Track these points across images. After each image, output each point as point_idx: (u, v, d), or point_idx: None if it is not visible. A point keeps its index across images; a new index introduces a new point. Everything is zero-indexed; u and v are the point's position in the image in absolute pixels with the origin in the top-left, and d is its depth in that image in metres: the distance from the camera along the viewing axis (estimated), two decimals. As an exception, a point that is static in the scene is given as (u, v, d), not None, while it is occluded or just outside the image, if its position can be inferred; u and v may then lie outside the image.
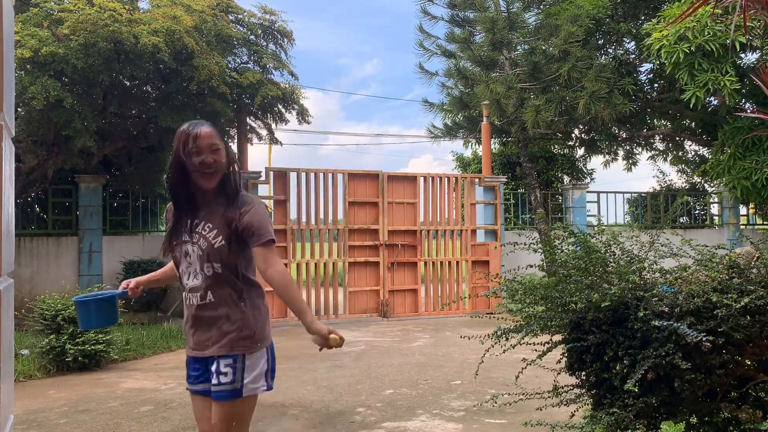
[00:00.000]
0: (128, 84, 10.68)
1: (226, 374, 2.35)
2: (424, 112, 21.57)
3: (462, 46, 12.79)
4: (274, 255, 2.45)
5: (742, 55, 10.96)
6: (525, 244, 3.86)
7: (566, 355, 3.47)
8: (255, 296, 2.50)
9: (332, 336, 2.41)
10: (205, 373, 2.43)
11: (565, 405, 3.56)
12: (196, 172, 2.38)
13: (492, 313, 4.41)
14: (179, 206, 2.48)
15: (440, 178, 11.77)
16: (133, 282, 2.69)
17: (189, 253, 2.42)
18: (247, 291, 2.46)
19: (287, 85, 11.08)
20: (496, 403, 3.82)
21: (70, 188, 11.45)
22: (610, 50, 13.31)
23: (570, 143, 15.71)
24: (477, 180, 12.21)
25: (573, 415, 3.64)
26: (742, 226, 15.30)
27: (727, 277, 3.11)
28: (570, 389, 3.55)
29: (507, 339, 3.52)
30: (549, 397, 3.58)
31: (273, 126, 11.83)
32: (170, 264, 2.64)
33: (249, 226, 2.40)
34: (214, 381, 2.37)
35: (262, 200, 2.54)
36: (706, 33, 9.38)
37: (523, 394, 3.75)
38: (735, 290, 2.98)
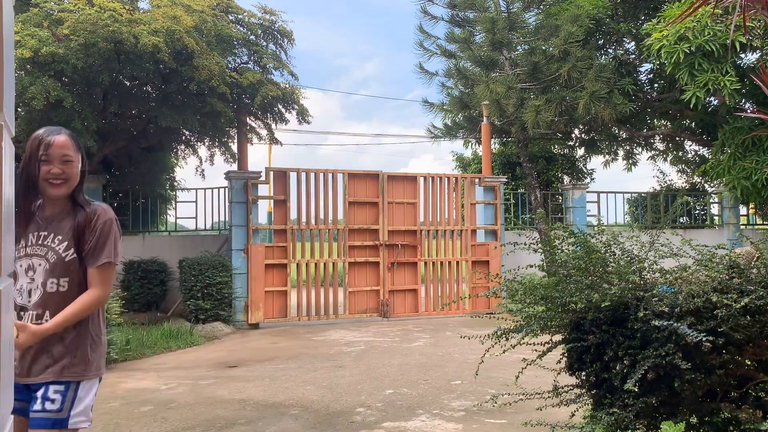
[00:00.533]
0: (128, 84, 10.67)
1: (53, 401, 2.15)
2: (425, 112, 21.57)
3: (462, 46, 12.79)
4: (110, 278, 2.34)
5: (742, 55, 10.97)
6: (525, 244, 3.86)
7: (566, 355, 3.47)
8: (97, 320, 2.34)
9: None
10: (26, 394, 2.20)
11: (565, 405, 3.56)
12: (43, 181, 2.25)
13: (492, 313, 4.41)
14: (25, 216, 2.29)
15: (440, 178, 11.77)
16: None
17: (33, 267, 2.24)
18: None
19: (287, 85, 11.07)
20: (496, 403, 3.82)
21: (70, 188, 11.44)
22: (610, 50, 13.31)
23: (570, 143, 15.71)
24: (477, 180, 12.21)
25: (573, 415, 3.64)
26: (742, 226, 15.30)
27: (727, 277, 3.11)
28: (570, 389, 3.55)
29: (507, 339, 3.52)
30: (549, 397, 3.58)
31: (273, 126, 11.83)
32: None
33: (95, 243, 2.29)
34: (37, 407, 2.14)
35: (110, 214, 2.40)
36: (706, 33, 9.38)
37: (523, 394, 3.75)
38: (735, 290, 2.98)
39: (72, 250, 2.27)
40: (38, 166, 2.25)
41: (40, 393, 2.15)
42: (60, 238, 2.27)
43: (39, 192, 2.27)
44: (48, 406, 2.14)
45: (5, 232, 1.14)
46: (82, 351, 2.24)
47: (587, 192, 13.75)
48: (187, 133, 11.63)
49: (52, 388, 2.16)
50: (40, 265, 2.24)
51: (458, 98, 13.77)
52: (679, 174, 16.60)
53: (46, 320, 2.19)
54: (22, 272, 2.24)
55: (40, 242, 2.26)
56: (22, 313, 2.22)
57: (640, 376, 2.90)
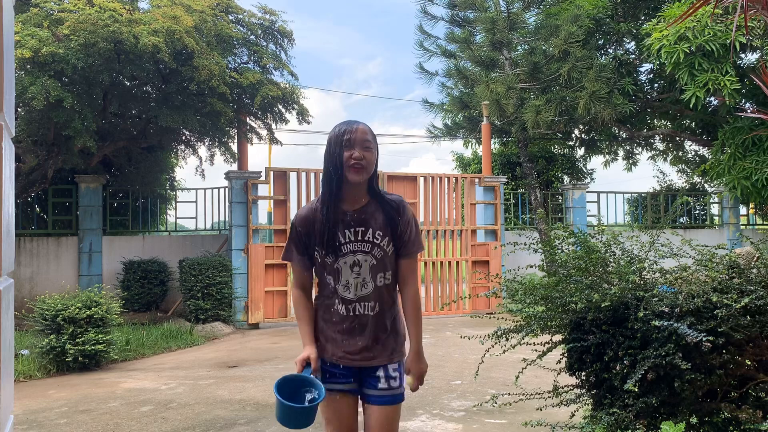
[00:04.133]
0: (128, 84, 10.67)
1: (395, 378, 2.39)
2: (425, 112, 21.57)
3: (462, 46, 12.79)
4: (417, 267, 2.48)
5: (742, 55, 10.97)
6: (525, 244, 3.86)
7: (566, 355, 3.47)
8: (398, 304, 2.50)
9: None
10: (356, 375, 2.41)
11: (565, 405, 3.56)
12: (346, 167, 2.29)
13: (492, 313, 4.41)
14: (334, 214, 2.35)
15: (440, 178, 11.77)
16: (314, 361, 2.36)
17: (358, 263, 2.35)
18: (396, 300, 2.48)
19: (287, 85, 11.07)
20: (496, 403, 3.82)
21: (70, 188, 11.45)
22: (610, 50, 13.31)
23: (570, 143, 15.71)
24: (477, 180, 12.21)
25: (573, 415, 3.64)
26: (742, 226, 15.30)
27: (727, 277, 3.11)
28: (570, 389, 3.55)
29: (507, 339, 3.52)
30: (549, 397, 3.58)
31: (273, 126, 11.83)
32: (303, 300, 2.45)
33: (409, 234, 2.41)
34: (383, 385, 2.38)
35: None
36: (706, 33, 9.38)
37: (523, 394, 3.75)
38: (735, 290, 2.98)
39: (392, 244, 2.38)
40: (341, 153, 2.29)
41: (381, 373, 2.39)
42: (380, 233, 2.36)
43: (342, 181, 2.30)
44: (392, 383, 2.39)
45: (5, 232, 1.14)
46: (400, 337, 2.45)
47: (587, 192, 13.75)
48: (187, 133, 11.63)
49: (391, 367, 2.40)
50: (366, 261, 2.35)
51: (458, 98, 13.77)
52: (679, 174, 16.61)
53: (377, 311, 2.37)
54: (346, 268, 2.34)
55: (359, 238, 2.34)
56: (348, 305, 2.36)
57: (640, 376, 2.90)
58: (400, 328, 2.46)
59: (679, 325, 2.84)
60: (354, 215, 2.34)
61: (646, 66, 13.21)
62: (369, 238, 2.35)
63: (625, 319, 3.14)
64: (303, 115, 11.40)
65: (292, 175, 10.84)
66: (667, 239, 3.66)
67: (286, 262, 2.67)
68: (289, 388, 2.23)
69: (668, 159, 16.11)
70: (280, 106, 11.27)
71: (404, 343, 2.47)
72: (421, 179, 11.57)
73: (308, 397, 2.23)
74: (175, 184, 13.98)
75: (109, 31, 8.60)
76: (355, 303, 2.36)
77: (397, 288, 2.47)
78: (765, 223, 16.38)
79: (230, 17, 10.84)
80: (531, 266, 4.24)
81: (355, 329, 2.35)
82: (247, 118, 11.46)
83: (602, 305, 3.10)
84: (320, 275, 2.42)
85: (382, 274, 2.37)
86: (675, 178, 17.81)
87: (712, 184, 15.37)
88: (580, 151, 16.02)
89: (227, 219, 11.52)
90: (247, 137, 11.68)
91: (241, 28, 11.00)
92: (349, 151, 2.27)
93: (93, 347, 6.94)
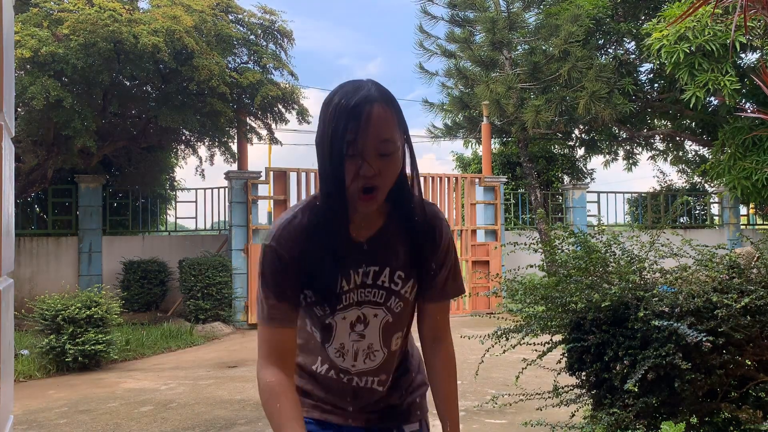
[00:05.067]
0: (128, 84, 10.67)
1: None
2: (425, 112, 21.56)
3: (462, 46, 12.79)
4: (449, 318, 1.68)
5: (742, 55, 10.96)
6: (525, 244, 3.86)
7: (566, 355, 3.47)
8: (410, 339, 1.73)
9: None
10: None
11: (565, 405, 3.55)
12: (354, 192, 1.37)
13: (492, 313, 4.41)
14: (339, 237, 1.44)
15: (440, 178, 11.76)
16: None
17: (364, 320, 1.52)
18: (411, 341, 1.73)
19: (287, 85, 11.07)
20: (496, 403, 3.82)
21: (70, 188, 11.45)
22: (610, 50, 13.31)
23: (570, 143, 15.71)
24: (477, 180, 12.20)
25: (573, 415, 3.64)
26: (742, 226, 15.30)
27: (727, 277, 3.11)
28: (570, 389, 3.55)
29: (507, 339, 3.52)
30: (549, 397, 3.58)
31: (273, 126, 11.83)
32: (284, 391, 1.40)
33: (448, 272, 1.57)
34: None
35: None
36: (706, 33, 9.38)
37: (523, 394, 3.75)
38: (735, 290, 2.98)
39: (415, 286, 1.53)
40: (342, 163, 1.35)
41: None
42: (402, 274, 1.50)
43: (346, 205, 1.39)
44: None
45: (5, 232, 1.14)
46: (420, 375, 1.73)
47: (587, 192, 13.75)
48: (187, 132, 11.62)
49: (407, 430, 1.67)
50: (375, 315, 1.52)
51: (458, 98, 13.76)
52: (679, 174, 16.61)
53: (388, 385, 1.60)
54: (344, 326, 1.51)
55: (370, 282, 1.49)
56: (343, 376, 1.56)
57: (640, 376, 2.89)
58: (414, 365, 1.70)
59: (679, 325, 2.84)
60: (365, 247, 1.48)
61: (646, 66, 13.22)
62: (385, 282, 1.50)
63: (625, 319, 3.14)
64: (303, 115, 11.40)
65: (292, 175, 10.84)
66: (667, 239, 3.66)
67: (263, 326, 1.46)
68: None
69: (668, 159, 16.11)
70: (280, 106, 11.27)
71: (425, 387, 1.70)
72: (421, 179, 11.55)
73: None
74: (175, 184, 13.98)
75: (109, 31, 8.60)
76: (353, 376, 1.56)
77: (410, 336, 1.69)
78: (765, 223, 16.37)
79: (230, 17, 10.85)
80: (531, 266, 4.25)
81: (350, 397, 1.60)
82: (247, 118, 11.46)
83: (602, 305, 3.10)
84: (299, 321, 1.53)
85: (399, 334, 1.57)
86: (675, 178, 17.82)
87: (712, 184, 15.37)
88: (580, 151, 16.03)
89: (227, 219, 11.52)
90: (246, 137, 11.68)
91: (241, 28, 11.01)
92: (355, 162, 1.33)
93: (93, 347, 6.94)
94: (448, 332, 1.63)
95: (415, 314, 1.62)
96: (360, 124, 1.33)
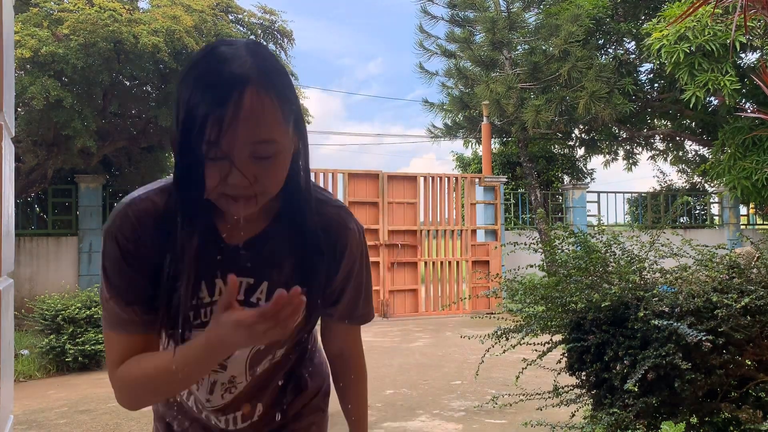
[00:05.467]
0: (128, 84, 10.68)
1: None
2: (425, 111, 21.59)
3: (462, 46, 12.80)
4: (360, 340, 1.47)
5: (742, 55, 10.97)
6: (525, 244, 3.86)
7: (566, 355, 3.47)
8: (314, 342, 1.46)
9: None
10: None
11: (565, 405, 3.55)
12: (218, 198, 1.07)
13: (492, 313, 4.41)
14: (189, 237, 1.08)
15: (440, 178, 11.77)
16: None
17: None
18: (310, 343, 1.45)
19: (287, 85, 11.08)
20: (496, 403, 3.82)
21: (70, 188, 11.45)
22: (610, 50, 13.31)
23: (570, 143, 15.72)
24: (477, 180, 12.21)
25: (573, 415, 3.64)
26: (742, 226, 15.30)
27: (727, 277, 3.11)
28: (570, 389, 3.55)
29: (507, 339, 3.52)
30: (549, 397, 3.58)
31: (273, 126, 11.83)
32: (141, 359, 1.10)
33: (355, 289, 1.28)
34: None
35: None
36: (706, 33, 9.39)
37: (523, 394, 3.75)
38: (735, 290, 2.98)
39: (311, 309, 1.15)
40: (200, 159, 1.01)
41: None
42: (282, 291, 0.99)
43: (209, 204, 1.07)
44: None
45: (5, 232, 1.14)
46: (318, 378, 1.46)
47: (587, 192, 13.75)
48: (187, 133, 11.61)
49: None
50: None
51: (458, 98, 13.77)
52: (679, 174, 16.62)
53: (261, 412, 1.30)
54: None
55: (242, 297, 1.15)
56: (213, 415, 1.27)
57: (640, 376, 2.89)
58: (312, 384, 1.40)
59: (680, 325, 2.84)
60: (241, 251, 1.13)
61: (646, 66, 13.23)
62: (261, 300, 1.16)
63: (625, 319, 3.14)
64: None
65: (292, 175, 10.84)
66: (668, 239, 3.66)
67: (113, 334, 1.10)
68: None
69: (668, 159, 16.12)
70: (280, 106, 11.28)
71: (321, 414, 1.42)
72: (421, 179, 11.57)
73: None
74: (175, 184, 13.97)
75: (109, 31, 8.60)
76: (210, 413, 1.27)
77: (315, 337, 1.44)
78: (765, 223, 16.37)
79: (230, 17, 10.85)
80: (531, 266, 4.25)
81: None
82: (247, 118, 11.46)
83: (602, 305, 3.10)
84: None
85: (278, 352, 1.25)
86: (675, 178, 17.83)
87: (712, 184, 15.38)
88: (580, 151, 16.04)
89: (227, 219, 11.51)
90: (246, 137, 11.69)
91: (241, 28, 11.01)
92: (221, 166, 0.98)
93: (93, 347, 6.93)
94: (358, 347, 1.41)
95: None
96: (225, 118, 0.94)
